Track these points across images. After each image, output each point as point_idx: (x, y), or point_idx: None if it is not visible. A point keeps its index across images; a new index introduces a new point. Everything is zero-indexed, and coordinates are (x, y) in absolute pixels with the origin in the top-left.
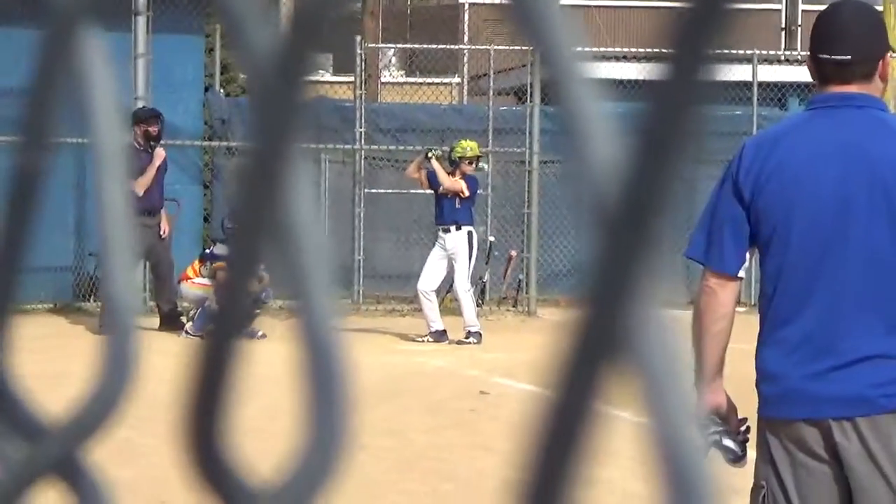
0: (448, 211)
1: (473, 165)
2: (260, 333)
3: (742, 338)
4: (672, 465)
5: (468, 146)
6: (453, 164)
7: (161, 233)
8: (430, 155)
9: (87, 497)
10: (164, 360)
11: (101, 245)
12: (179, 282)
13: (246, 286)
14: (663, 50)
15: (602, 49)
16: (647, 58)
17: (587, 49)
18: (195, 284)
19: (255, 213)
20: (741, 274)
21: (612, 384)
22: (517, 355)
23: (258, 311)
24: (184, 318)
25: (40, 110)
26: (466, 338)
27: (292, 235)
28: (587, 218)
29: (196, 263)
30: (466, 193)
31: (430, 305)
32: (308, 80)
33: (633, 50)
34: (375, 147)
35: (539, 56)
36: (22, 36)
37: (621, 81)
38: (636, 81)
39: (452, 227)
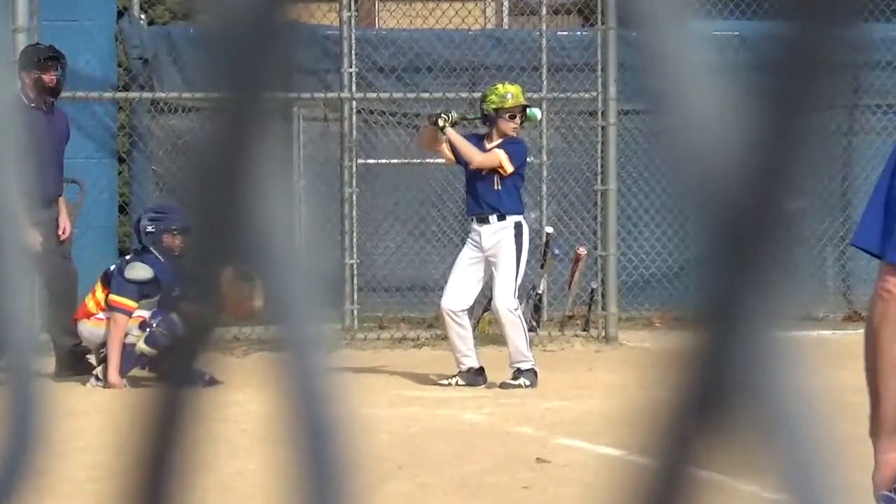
0: (485, 194)
1: (518, 120)
2: (208, 377)
3: None
4: None
5: (508, 91)
6: (487, 121)
7: (59, 232)
8: (441, 123)
9: None
10: (71, 421)
11: None
12: (76, 320)
13: (208, 313)
14: None
15: None
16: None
17: None
18: (99, 321)
19: (217, 207)
20: None
21: (729, 446)
22: (590, 403)
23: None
24: (91, 358)
25: None
26: (514, 378)
27: (264, 241)
28: (692, 212)
29: (98, 290)
30: (510, 169)
31: (461, 332)
32: None
33: None
34: (373, 95)
35: None
36: None
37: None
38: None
39: (492, 217)
